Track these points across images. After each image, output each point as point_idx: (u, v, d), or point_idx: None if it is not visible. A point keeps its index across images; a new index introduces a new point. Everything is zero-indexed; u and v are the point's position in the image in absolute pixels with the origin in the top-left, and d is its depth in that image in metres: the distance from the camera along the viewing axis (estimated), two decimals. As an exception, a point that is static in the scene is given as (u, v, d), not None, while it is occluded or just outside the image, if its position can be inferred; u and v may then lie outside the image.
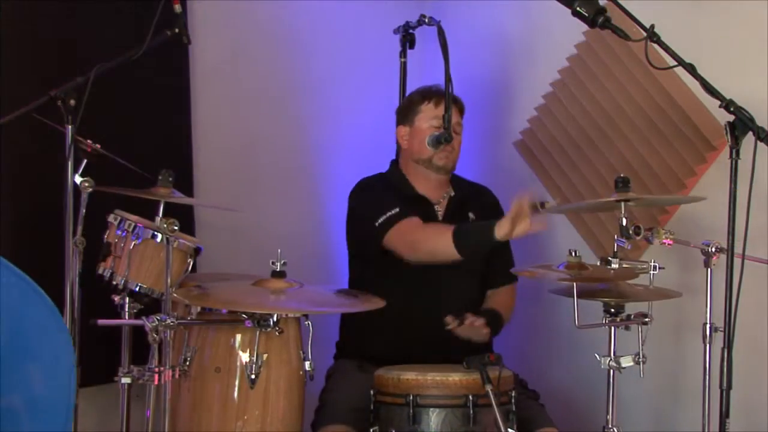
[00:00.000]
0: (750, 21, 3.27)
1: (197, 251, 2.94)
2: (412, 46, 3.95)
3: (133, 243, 2.86)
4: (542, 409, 3.18)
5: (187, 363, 2.78)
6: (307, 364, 2.82)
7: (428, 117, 3.40)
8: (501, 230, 2.97)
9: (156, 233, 2.84)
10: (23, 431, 2.08)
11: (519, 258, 3.55)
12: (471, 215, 3.47)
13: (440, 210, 3.44)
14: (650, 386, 3.44)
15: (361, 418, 2.92)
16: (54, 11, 3.35)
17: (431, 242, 3.18)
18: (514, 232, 2.94)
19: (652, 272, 2.81)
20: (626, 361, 2.88)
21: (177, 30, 3.03)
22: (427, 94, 3.45)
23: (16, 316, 2.13)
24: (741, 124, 2.65)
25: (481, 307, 3.38)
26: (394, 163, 3.54)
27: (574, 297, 2.72)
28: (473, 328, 3.12)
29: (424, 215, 3.39)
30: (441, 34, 3.43)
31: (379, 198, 3.35)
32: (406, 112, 3.48)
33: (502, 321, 3.32)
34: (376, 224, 3.26)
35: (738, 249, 2.66)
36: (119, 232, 2.89)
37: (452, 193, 3.49)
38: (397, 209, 3.26)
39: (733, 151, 2.65)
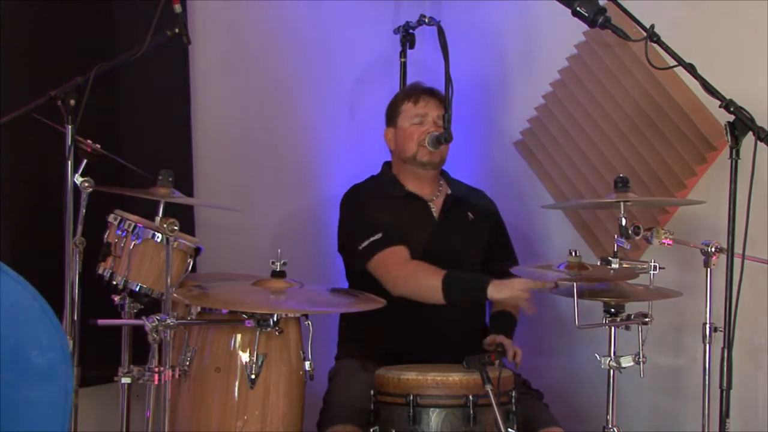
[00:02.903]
0: (750, 21, 3.26)
1: (197, 251, 2.94)
2: (412, 46, 3.96)
3: (133, 243, 2.86)
4: (546, 408, 3.19)
5: (187, 363, 2.78)
6: (307, 364, 2.81)
7: (409, 116, 3.43)
8: (497, 294, 3.08)
9: (156, 233, 2.84)
10: (20, 430, 2.08)
11: (519, 258, 3.55)
12: (470, 215, 3.47)
13: (435, 208, 3.44)
14: (650, 386, 3.44)
15: (366, 418, 2.92)
16: (54, 11, 3.35)
17: (418, 282, 3.19)
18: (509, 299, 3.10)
19: (652, 272, 2.81)
20: (626, 361, 2.88)
21: (177, 30, 3.04)
22: (407, 93, 3.52)
23: (11, 318, 2.13)
24: (741, 124, 2.65)
25: (492, 312, 3.43)
26: (387, 165, 3.55)
27: (574, 297, 2.72)
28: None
29: (418, 213, 3.39)
30: (441, 34, 3.44)
31: (365, 217, 3.35)
32: (390, 114, 3.52)
33: (515, 322, 3.38)
34: (360, 248, 3.28)
35: (738, 249, 2.66)
36: (119, 232, 2.88)
37: (448, 191, 3.49)
38: (380, 234, 3.26)
39: (733, 151, 2.65)
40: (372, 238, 3.26)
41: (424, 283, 3.17)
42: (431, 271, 3.18)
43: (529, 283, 3.01)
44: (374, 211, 3.36)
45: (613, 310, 2.90)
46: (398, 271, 3.22)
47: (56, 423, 2.12)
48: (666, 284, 3.08)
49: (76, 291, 2.84)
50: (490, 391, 2.71)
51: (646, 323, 2.90)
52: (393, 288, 3.15)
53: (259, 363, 2.74)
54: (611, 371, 2.88)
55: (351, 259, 3.40)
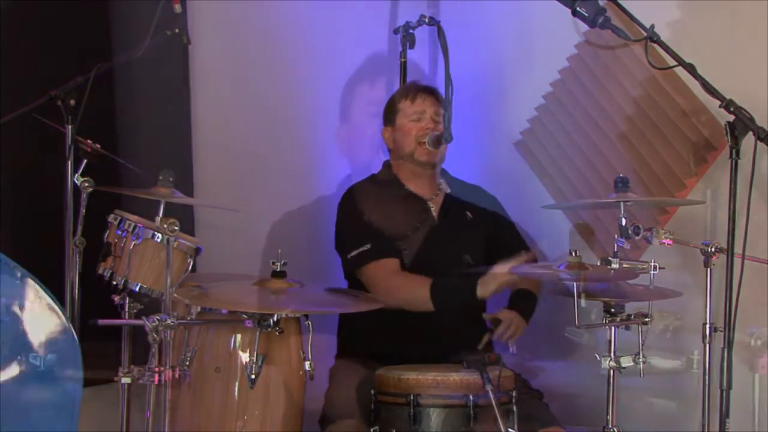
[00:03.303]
0: (750, 21, 3.27)
1: (197, 251, 2.94)
2: (412, 46, 3.95)
3: (133, 243, 2.86)
4: (546, 407, 3.19)
5: (187, 363, 2.78)
6: (307, 364, 2.81)
7: (406, 114, 3.44)
8: (486, 291, 3.11)
9: (156, 233, 2.84)
10: (29, 430, 2.08)
11: (519, 258, 3.55)
12: (468, 214, 3.47)
13: (434, 207, 3.44)
14: (650, 386, 3.44)
15: (368, 415, 2.93)
16: (53, 11, 3.35)
17: (405, 294, 3.20)
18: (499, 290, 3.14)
19: (652, 272, 2.81)
20: (626, 361, 2.88)
21: (177, 30, 3.04)
22: (404, 91, 3.53)
23: (17, 317, 2.13)
24: (741, 124, 2.65)
25: (510, 293, 3.42)
26: (387, 164, 3.55)
27: (574, 297, 2.72)
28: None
29: (417, 213, 3.39)
30: (441, 34, 3.44)
31: (357, 224, 3.34)
32: (387, 113, 3.52)
33: (533, 299, 3.39)
34: (348, 257, 3.29)
35: (738, 249, 2.66)
36: (119, 232, 2.88)
37: (447, 191, 3.49)
38: (369, 245, 3.26)
39: (733, 151, 2.66)
40: (360, 249, 3.27)
41: (412, 294, 3.18)
42: (418, 281, 3.19)
43: (507, 267, 3.08)
44: (368, 217, 3.35)
45: (613, 310, 2.90)
46: (385, 284, 3.23)
47: (63, 424, 2.11)
48: (666, 284, 3.08)
49: (76, 291, 2.85)
50: (490, 391, 2.71)
51: (646, 323, 2.90)
52: (384, 299, 3.14)
53: (259, 363, 2.73)
54: (611, 371, 2.88)
55: (343, 264, 3.41)
